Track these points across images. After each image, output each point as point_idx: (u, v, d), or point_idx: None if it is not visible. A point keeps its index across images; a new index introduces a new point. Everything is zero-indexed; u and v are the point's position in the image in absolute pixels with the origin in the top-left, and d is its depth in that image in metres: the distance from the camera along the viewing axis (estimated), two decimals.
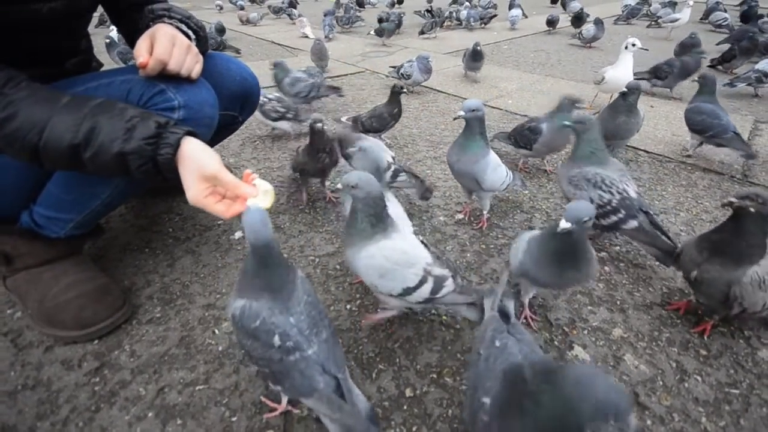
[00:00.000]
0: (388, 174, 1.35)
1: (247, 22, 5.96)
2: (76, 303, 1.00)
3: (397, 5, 6.96)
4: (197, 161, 0.80)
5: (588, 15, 4.70)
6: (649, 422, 0.85)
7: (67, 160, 0.80)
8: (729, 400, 0.90)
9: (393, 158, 1.42)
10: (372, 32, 4.71)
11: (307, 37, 5.00)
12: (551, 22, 5.27)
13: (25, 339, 1.02)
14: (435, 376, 0.94)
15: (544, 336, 1.04)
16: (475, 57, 3.11)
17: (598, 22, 4.45)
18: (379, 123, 1.98)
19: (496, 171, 1.34)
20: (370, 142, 1.42)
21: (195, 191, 0.80)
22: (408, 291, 0.89)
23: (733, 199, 0.87)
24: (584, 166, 1.24)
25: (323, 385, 0.71)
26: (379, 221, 0.89)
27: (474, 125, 1.29)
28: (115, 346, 1.00)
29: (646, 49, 2.45)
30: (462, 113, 1.26)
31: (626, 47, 2.41)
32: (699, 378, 0.94)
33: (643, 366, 0.96)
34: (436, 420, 0.85)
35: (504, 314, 0.78)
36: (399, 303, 0.95)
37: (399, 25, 5.11)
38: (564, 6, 6.40)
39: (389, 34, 4.69)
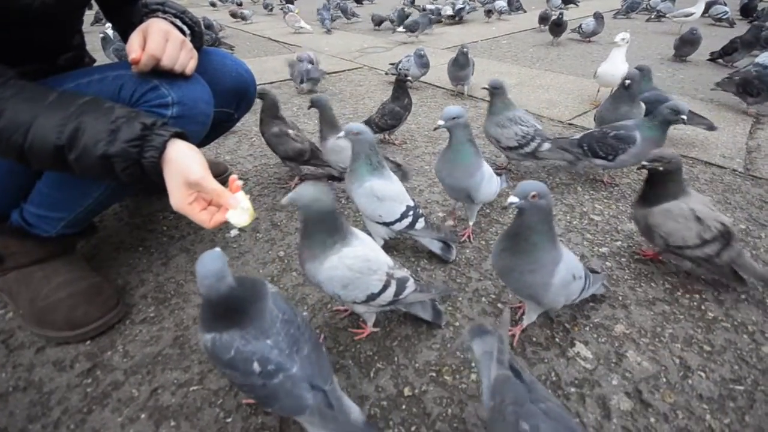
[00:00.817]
0: None
1: (238, 17, 5.93)
2: (67, 303, 0.98)
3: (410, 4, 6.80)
4: (181, 166, 0.76)
5: (567, 22, 4.35)
6: (652, 420, 0.83)
7: (53, 161, 0.77)
8: (733, 396, 0.88)
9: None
10: (401, 28, 4.62)
11: (302, 29, 4.99)
12: (545, 19, 4.80)
13: (16, 340, 1.00)
14: (434, 374, 0.92)
15: (545, 333, 1.02)
16: (458, 64, 2.57)
17: (598, 17, 4.41)
18: (393, 119, 1.94)
19: (490, 182, 1.26)
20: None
21: (178, 198, 0.77)
22: (372, 297, 0.89)
23: (645, 163, 1.07)
24: (503, 113, 1.60)
25: (312, 401, 0.68)
26: (335, 230, 0.85)
27: (458, 134, 1.19)
28: (107, 347, 0.98)
29: (625, 41, 2.41)
30: (441, 122, 1.17)
31: (615, 41, 2.44)
32: (703, 374, 0.92)
33: (646, 362, 0.95)
34: (435, 419, 0.83)
35: (516, 372, 0.66)
36: (363, 308, 0.94)
37: (433, 21, 5.03)
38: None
39: (423, 28, 4.66)
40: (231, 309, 0.66)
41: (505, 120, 1.59)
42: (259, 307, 0.69)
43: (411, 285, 0.93)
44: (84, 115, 0.76)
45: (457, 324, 1.04)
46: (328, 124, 1.50)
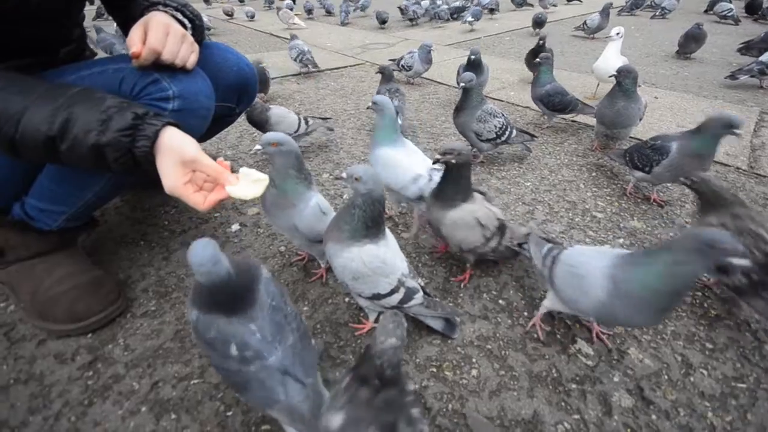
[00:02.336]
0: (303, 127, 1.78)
1: (230, 15, 5.94)
2: (69, 296, 0.98)
3: None
4: (175, 146, 0.76)
5: (547, 18, 4.39)
6: (654, 417, 0.83)
7: (45, 152, 0.76)
8: (735, 394, 0.88)
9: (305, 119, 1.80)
10: (470, 18, 4.87)
11: (295, 25, 5.07)
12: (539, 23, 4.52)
13: (17, 332, 1.00)
14: (435, 370, 0.92)
15: (546, 330, 1.02)
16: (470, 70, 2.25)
17: (605, 11, 4.37)
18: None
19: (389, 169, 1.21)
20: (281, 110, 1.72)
21: (173, 177, 0.75)
22: (378, 296, 0.89)
23: (438, 156, 1.05)
24: (480, 107, 1.68)
25: (284, 397, 0.66)
26: (374, 225, 0.86)
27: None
28: (108, 340, 0.98)
29: (619, 35, 2.45)
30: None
31: (610, 35, 2.47)
32: (705, 372, 0.92)
33: (648, 360, 0.94)
34: (435, 414, 0.83)
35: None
36: (366, 303, 0.95)
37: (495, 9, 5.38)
38: None
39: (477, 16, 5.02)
40: (225, 295, 0.66)
41: (485, 115, 1.68)
42: (251, 292, 0.69)
43: (419, 298, 0.93)
44: (75, 105, 0.75)
45: (458, 320, 1.04)
46: None
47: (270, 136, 0.94)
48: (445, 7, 5.66)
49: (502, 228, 1.09)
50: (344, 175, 0.85)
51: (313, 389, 0.69)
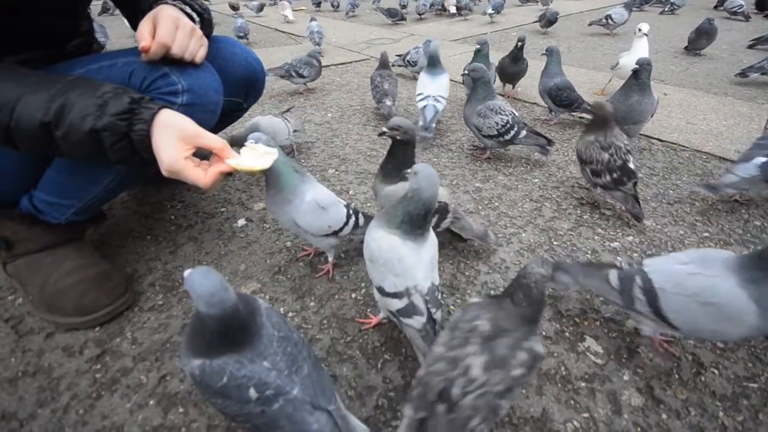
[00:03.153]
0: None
1: (235, 9, 5.93)
2: (77, 289, 0.98)
3: None
4: (176, 123, 0.75)
5: (557, 16, 4.32)
6: (664, 416, 0.82)
7: (40, 140, 0.75)
8: (747, 394, 0.87)
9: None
10: (490, 11, 5.02)
11: (287, 19, 5.17)
12: (550, 22, 4.40)
13: (26, 325, 1.00)
14: None
15: (554, 327, 1.01)
16: (512, 58, 2.43)
17: (629, 6, 4.31)
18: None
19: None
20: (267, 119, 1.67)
21: (173, 151, 0.74)
22: (382, 291, 0.85)
23: (384, 129, 1.08)
24: (484, 102, 1.67)
25: (316, 426, 0.63)
26: (411, 223, 0.81)
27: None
28: (116, 333, 0.98)
29: (647, 35, 2.40)
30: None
31: (635, 33, 2.42)
32: (716, 371, 0.91)
33: (658, 358, 0.93)
34: None
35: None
36: (376, 294, 0.89)
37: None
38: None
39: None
40: (235, 329, 0.60)
41: (486, 110, 1.65)
42: (256, 324, 0.63)
43: (417, 323, 0.82)
44: (71, 92, 0.74)
45: None
46: None
47: (255, 135, 0.92)
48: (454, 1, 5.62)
49: (442, 210, 1.12)
50: (410, 170, 0.84)
51: (338, 414, 0.65)
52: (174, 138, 0.75)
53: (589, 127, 1.44)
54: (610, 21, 4.34)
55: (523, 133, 1.68)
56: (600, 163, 1.36)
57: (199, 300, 0.56)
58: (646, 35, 2.39)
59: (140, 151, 0.77)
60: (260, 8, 5.81)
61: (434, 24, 5.26)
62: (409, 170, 0.86)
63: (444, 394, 0.64)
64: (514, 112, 1.68)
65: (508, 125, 1.65)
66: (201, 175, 0.76)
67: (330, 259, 1.15)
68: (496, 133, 1.66)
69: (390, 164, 1.11)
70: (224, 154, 0.78)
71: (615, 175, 1.34)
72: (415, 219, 0.81)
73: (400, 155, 1.10)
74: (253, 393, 0.59)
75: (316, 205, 0.99)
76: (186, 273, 0.58)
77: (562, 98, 2.04)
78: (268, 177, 0.97)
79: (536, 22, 5.13)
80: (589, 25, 4.55)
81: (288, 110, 1.90)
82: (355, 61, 3.43)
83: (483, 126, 1.67)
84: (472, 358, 0.65)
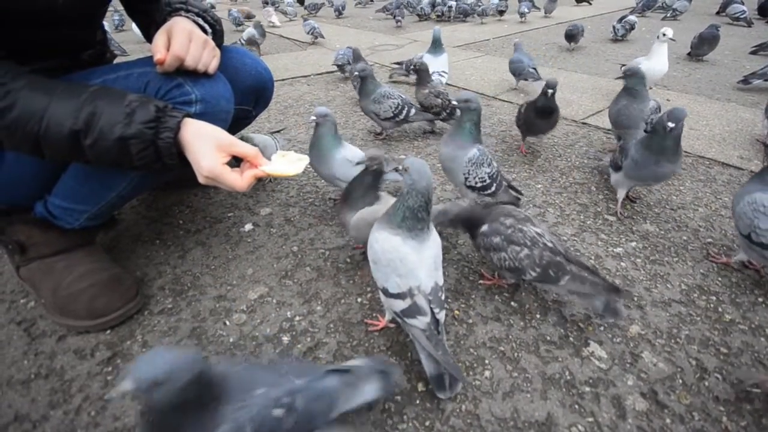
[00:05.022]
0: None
1: (249, 18, 6.00)
2: (89, 293, 1.00)
3: None
4: (211, 132, 0.81)
5: (581, 30, 3.93)
6: (668, 421, 0.83)
7: (68, 148, 0.79)
8: (750, 399, 0.87)
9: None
10: (524, 10, 5.27)
11: (273, 25, 5.28)
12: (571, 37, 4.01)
13: (38, 328, 1.02)
14: None
15: (559, 332, 1.02)
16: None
17: (636, 10, 4.43)
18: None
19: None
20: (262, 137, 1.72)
21: (212, 159, 0.80)
22: (386, 293, 0.88)
23: (364, 158, 1.11)
24: (375, 91, 1.92)
25: (333, 383, 0.67)
26: (413, 217, 0.86)
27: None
28: (127, 336, 1.00)
29: (674, 40, 2.44)
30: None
31: (658, 37, 2.43)
32: (719, 376, 0.92)
33: (662, 364, 0.94)
34: (449, 415, 0.84)
35: None
36: (381, 296, 0.92)
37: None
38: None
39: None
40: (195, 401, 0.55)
41: (380, 96, 1.92)
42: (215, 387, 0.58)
43: (421, 323, 0.84)
44: (98, 100, 0.78)
45: (470, 321, 1.05)
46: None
47: (319, 110, 1.28)
48: (453, 3, 5.69)
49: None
50: (401, 166, 0.88)
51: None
52: (211, 146, 0.80)
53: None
54: (625, 25, 4.31)
55: (413, 111, 1.98)
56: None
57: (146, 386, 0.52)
58: (673, 40, 2.40)
59: (164, 157, 0.81)
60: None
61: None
62: (401, 166, 0.89)
63: None
64: (402, 95, 1.96)
65: (400, 106, 1.93)
66: (238, 179, 0.81)
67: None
68: (392, 114, 1.93)
69: (356, 192, 1.14)
70: (257, 161, 0.84)
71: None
72: (417, 211, 0.86)
73: (367, 184, 1.13)
74: (278, 412, 0.59)
75: (346, 160, 1.30)
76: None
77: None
78: (314, 141, 1.32)
79: (539, 27, 5.17)
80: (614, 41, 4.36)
81: (279, 131, 2.06)
82: None
83: (380, 110, 1.93)
84: None
